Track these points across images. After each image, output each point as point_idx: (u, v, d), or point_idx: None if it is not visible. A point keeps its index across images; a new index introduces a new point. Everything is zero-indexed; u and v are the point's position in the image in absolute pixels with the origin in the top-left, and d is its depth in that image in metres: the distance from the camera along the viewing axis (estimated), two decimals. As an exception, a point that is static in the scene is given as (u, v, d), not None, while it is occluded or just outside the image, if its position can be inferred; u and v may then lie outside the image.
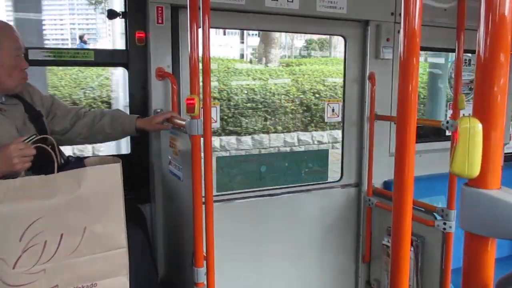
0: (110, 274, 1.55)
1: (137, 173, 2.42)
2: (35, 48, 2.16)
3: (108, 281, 1.55)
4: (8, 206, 1.41)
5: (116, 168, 1.54)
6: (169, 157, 2.15)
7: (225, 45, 14.81)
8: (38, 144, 1.56)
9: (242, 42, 16.82)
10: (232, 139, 8.05)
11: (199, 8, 1.61)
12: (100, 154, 7.67)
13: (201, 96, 1.67)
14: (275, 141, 8.31)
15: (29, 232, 1.43)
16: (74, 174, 1.49)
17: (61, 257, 1.47)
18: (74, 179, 1.48)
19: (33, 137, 1.58)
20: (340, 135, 2.84)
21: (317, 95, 8.51)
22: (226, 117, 7.84)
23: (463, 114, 2.60)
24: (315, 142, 8.66)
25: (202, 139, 1.71)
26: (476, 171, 0.78)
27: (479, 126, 0.76)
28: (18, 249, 1.42)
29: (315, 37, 15.25)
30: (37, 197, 1.44)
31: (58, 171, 1.52)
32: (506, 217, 0.77)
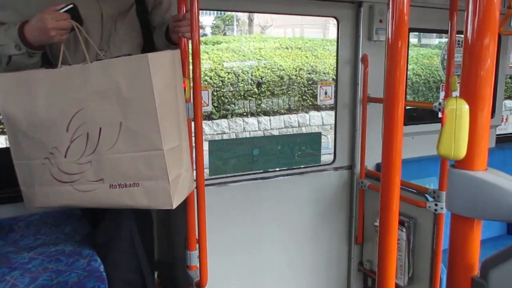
0: (151, 176, 1.52)
1: None
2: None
3: (149, 183, 1.52)
4: (54, 97, 1.49)
5: (144, 60, 1.42)
6: (161, 141, 2.15)
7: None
8: (72, 21, 1.52)
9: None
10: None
11: (188, -10, 1.58)
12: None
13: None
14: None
15: (74, 123, 1.50)
16: (105, 64, 1.48)
17: (102, 151, 1.50)
18: (105, 69, 1.47)
19: (69, 7, 1.53)
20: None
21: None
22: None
23: (456, 96, 2.60)
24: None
25: (193, 123, 1.70)
26: (462, 152, 0.78)
27: (465, 107, 0.76)
28: (66, 138, 1.51)
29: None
30: (76, 87, 1.48)
31: None
32: (492, 198, 0.77)
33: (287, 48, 11.66)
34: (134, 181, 1.52)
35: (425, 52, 11.07)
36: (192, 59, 1.63)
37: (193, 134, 1.71)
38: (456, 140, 0.77)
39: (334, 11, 2.67)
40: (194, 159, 1.72)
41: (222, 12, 14.19)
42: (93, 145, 1.51)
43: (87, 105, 1.48)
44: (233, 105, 9.88)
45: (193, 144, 1.71)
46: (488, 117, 0.78)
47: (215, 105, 9.68)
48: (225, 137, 9.69)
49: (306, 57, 11.58)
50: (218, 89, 9.67)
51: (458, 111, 0.76)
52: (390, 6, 0.90)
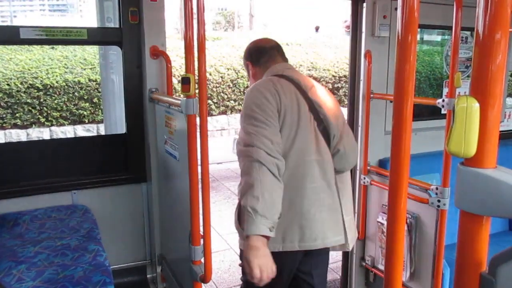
0: None
1: (133, 152, 2.42)
2: (26, 26, 2.12)
3: None
4: None
5: None
6: (165, 137, 2.15)
7: None
8: None
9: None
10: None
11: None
12: (101, 133, 7.60)
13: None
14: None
15: None
16: None
17: None
18: None
19: None
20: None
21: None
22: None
23: (459, 92, 2.59)
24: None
25: (198, 118, 1.70)
26: (472, 150, 0.78)
27: (476, 106, 0.76)
28: None
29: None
30: None
31: None
32: (502, 196, 0.77)
33: (287, 44, 11.63)
34: None
35: (426, 49, 11.03)
36: (198, 53, 1.63)
37: (198, 129, 1.71)
38: (467, 138, 0.77)
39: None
40: (199, 153, 1.72)
41: (224, 8, 14.29)
42: None
43: None
44: (232, 102, 9.89)
45: (198, 139, 1.71)
46: (498, 114, 0.78)
47: (215, 101, 9.70)
48: (225, 133, 9.76)
49: (306, 53, 11.56)
50: (217, 85, 9.65)
51: (469, 109, 0.76)
52: (400, 2, 0.89)
